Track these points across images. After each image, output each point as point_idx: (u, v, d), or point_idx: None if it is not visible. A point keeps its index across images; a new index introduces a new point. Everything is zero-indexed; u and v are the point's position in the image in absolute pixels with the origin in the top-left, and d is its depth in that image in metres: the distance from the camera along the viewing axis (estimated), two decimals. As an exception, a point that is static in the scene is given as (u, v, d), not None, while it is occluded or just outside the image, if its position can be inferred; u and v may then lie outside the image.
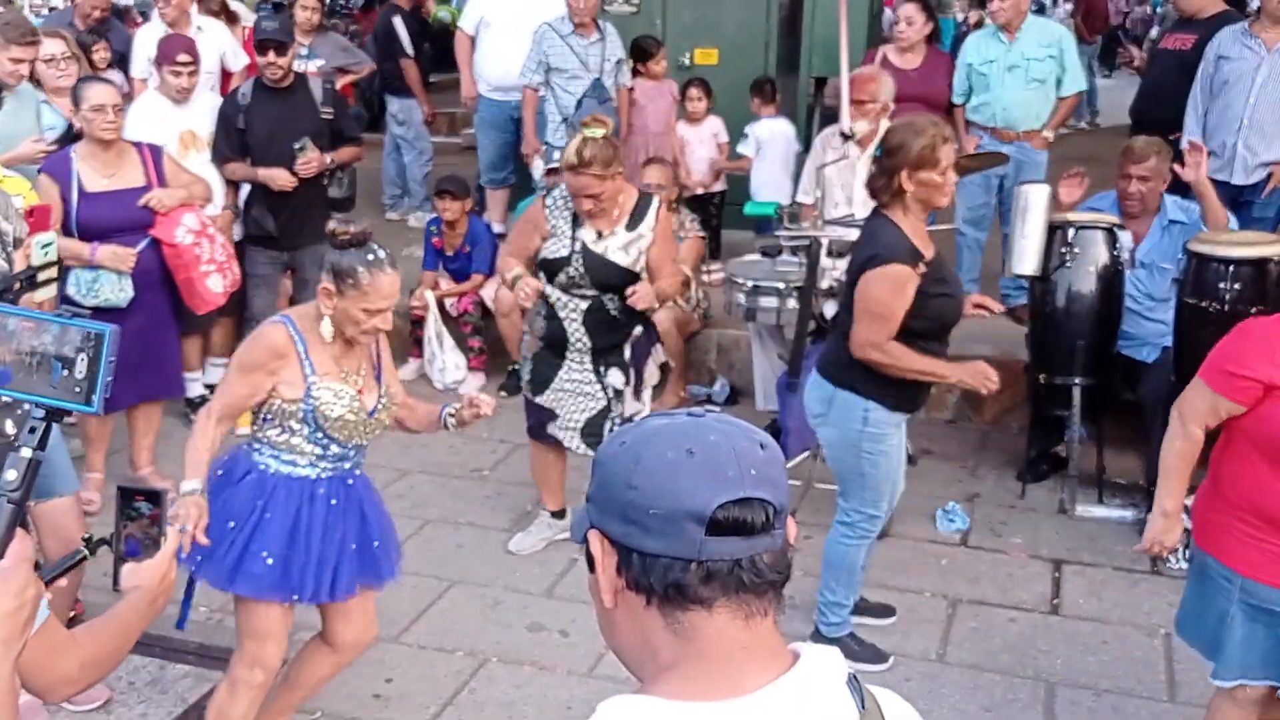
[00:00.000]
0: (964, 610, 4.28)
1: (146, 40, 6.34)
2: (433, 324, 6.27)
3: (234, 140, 5.48)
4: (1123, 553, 4.63)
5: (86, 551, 1.85)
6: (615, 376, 4.36)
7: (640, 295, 4.13)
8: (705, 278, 6.43)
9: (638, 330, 4.38)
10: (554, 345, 4.35)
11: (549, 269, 4.27)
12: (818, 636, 3.90)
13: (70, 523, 3.61)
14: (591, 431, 4.37)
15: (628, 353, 4.36)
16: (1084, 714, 3.72)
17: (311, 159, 5.41)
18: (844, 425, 3.68)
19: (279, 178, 5.36)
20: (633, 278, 4.19)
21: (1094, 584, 4.46)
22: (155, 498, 1.86)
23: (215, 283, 4.97)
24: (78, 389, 1.49)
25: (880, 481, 3.74)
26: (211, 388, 6.10)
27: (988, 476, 5.36)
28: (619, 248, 4.18)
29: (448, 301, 6.33)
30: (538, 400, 4.43)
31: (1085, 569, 4.57)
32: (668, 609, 1.19)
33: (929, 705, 3.72)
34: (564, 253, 4.21)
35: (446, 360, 6.26)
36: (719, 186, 7.02)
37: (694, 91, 6.88)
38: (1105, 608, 4.31)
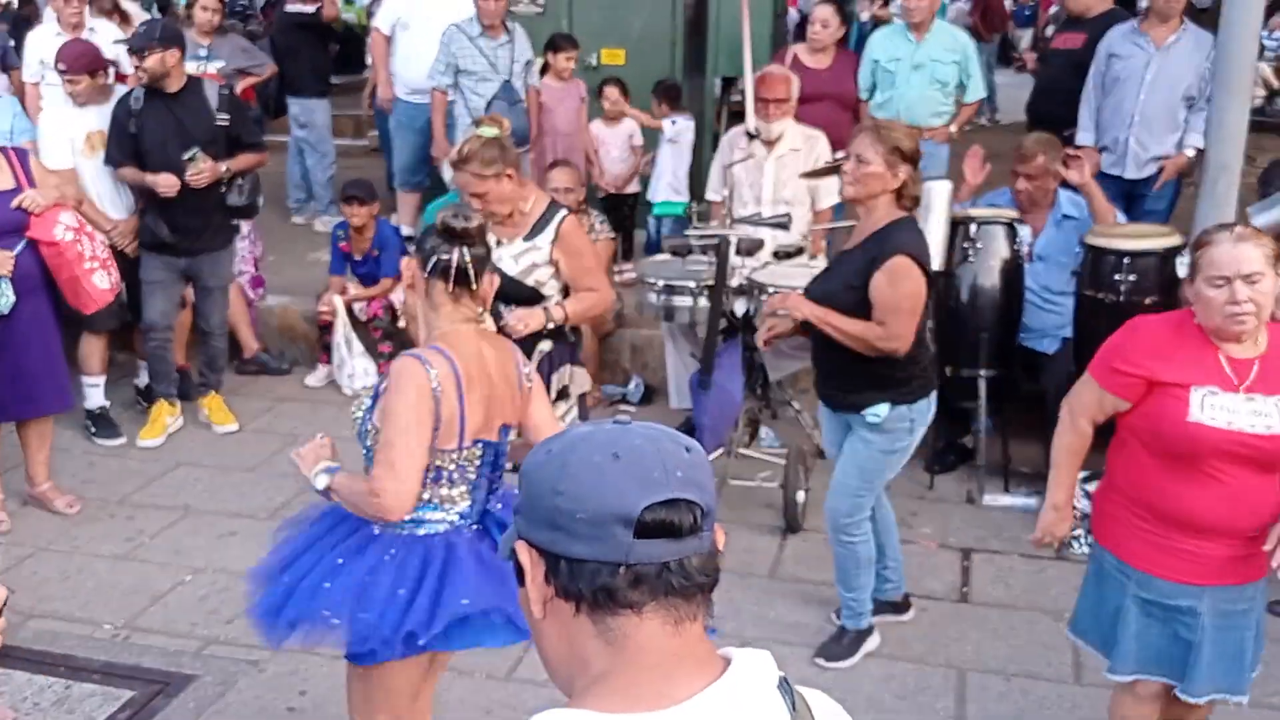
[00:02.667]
0: (877, 601, 4.34)
1: (38, 43, 6.16)
2: (341, 329, 6.19)
3: (126, 145, 5.32)
4: (1029, 540, 4.73)
5: None
6: None
7: (517, 317, 3.92)
8: (617, 278, 6.44)
9: (544, 345, 4.11)
10: None
11: None
12: None
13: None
14: None
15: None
16: (994, 698, 3.81)
17: (203, 169, 5.26)
18: None
19: (163, 182, 5.22)
20: (524, 290, 4.01)
21: (1002, 571, 4.57)
22: None
23: (101, 279, 4.83)
24: None
25: None
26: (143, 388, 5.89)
27: (897, 468, 5.45)
28: (510, 257, 4.00)
29: (356, 306, 6.25)
30: None
31: (993, 557, 4.67)
32: (597, 615, 1.19)
33: (842, 696, 3.71)
34: None
35: (356, 366, 6.18)
36: (633, 188, 7.03)
37: (612, 92, 6.83)
38: (1013, 594, 4.41)
